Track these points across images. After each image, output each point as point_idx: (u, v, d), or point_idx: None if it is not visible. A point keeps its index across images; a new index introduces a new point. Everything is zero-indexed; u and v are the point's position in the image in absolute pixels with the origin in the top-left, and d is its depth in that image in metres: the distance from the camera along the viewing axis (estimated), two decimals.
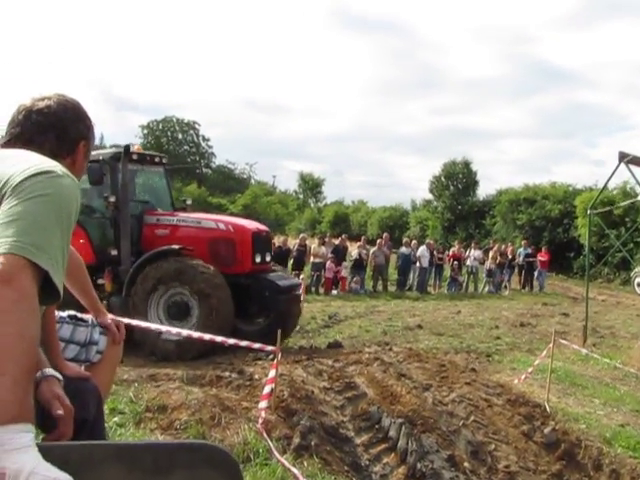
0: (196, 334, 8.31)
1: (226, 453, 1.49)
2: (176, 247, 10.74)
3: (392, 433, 7.04)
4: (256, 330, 11.09)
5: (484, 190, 51.98)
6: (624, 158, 12.93)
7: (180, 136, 75.55)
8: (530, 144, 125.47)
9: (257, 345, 7.71)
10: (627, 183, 32.00)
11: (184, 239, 11.08)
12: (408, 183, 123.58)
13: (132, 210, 11.49)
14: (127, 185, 11.09)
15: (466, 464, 6.92)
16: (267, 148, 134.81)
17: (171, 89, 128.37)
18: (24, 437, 1.39)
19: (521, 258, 27.24)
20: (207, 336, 8.03)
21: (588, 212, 15.93)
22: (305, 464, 5.86)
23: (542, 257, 27.23)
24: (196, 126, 75.86)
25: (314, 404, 7.47)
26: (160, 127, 74.23)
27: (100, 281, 11.07)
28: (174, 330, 8.87)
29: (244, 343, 7.89)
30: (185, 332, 8.65)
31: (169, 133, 74.75)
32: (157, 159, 12.55)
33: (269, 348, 7.49)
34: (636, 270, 28.37)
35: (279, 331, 7.50)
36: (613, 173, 13.73)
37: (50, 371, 2.29)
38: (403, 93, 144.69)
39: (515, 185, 45.86)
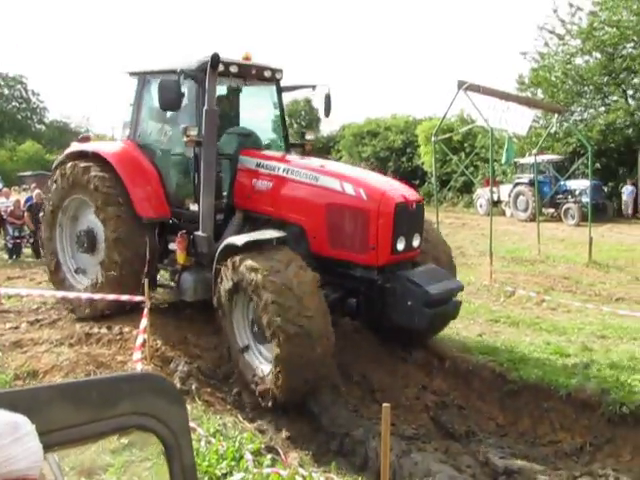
0: None
1: (165, 380, 1.55)
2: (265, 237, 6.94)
3: None
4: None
5: (328, 127, 52.73)
6: (462, 85, 13.49)
7: (7, 91, 70.90)
8: (367, 79, 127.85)
9: (125, 297, 7.59)
10: (463, 110, 33.48)
11: (290, 202, 7.60)
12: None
13: (224, 147, 8.20)
14: (215, 112, 7.52)
15: (343, 389, 7.21)
16: (102, 99, 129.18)
17: None
18: None
19: None
20: None
21: (432, 139, 16.56)
22: (189, 408, 5.91)
23: None
24: (23, 80, 71.51)
25: (189, 348, 7.49)
26: None
27: (172, 246, 8.31)
28: None
29: (111, 297, 7.75)
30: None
31: None
32: (268, 73, 8.72)
33: (138, 299, 7.40)
34: (477, 192, 30.01)
35: (146, 280, 7.35)
36: (453, 100, 14.30)
37: None
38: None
39: (357, 120, 46.93)
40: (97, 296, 8.02)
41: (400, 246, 7.07)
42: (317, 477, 4.79)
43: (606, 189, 27.21)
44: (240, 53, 8.50)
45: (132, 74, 8.95)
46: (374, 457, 5.55)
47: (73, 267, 9.17)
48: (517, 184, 27.22)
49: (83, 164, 8.58)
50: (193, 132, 7.67)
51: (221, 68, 7.68)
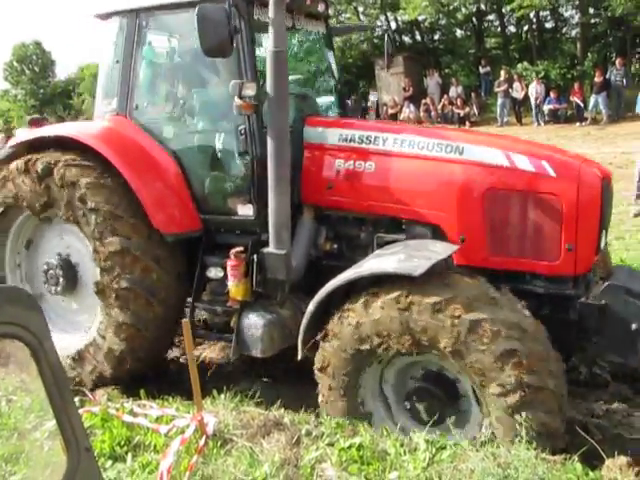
0: None
1: (21, 289, 1.65)
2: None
3: None
4: None
5: (65, 70, 49.97)
6: None
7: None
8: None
9: None
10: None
11: (414, 190, 5.06)
12: None
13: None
14: (284, 55, 4.73)
15: None
16: None
17: None
18: None
19: None
20: None
21: None
22: None
23: None
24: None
25: None
26: None
27: (214, 272, 5.49)
28: None
29: None
30: None
31: None
32: (321, 7, 5.92)
33: None
34: None
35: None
36: None
37: None
38: None
39: (95, 60, 45.07)
40: None
41: (602, 243, 4.85)
42: (129, 406, 4.81)
43: (350, 102, 28.66)
44: None
45: (110, 15, 5.89)
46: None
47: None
48: None
49: (53, 160, 5.52)
50: (250, 91, 4.73)
51: None
